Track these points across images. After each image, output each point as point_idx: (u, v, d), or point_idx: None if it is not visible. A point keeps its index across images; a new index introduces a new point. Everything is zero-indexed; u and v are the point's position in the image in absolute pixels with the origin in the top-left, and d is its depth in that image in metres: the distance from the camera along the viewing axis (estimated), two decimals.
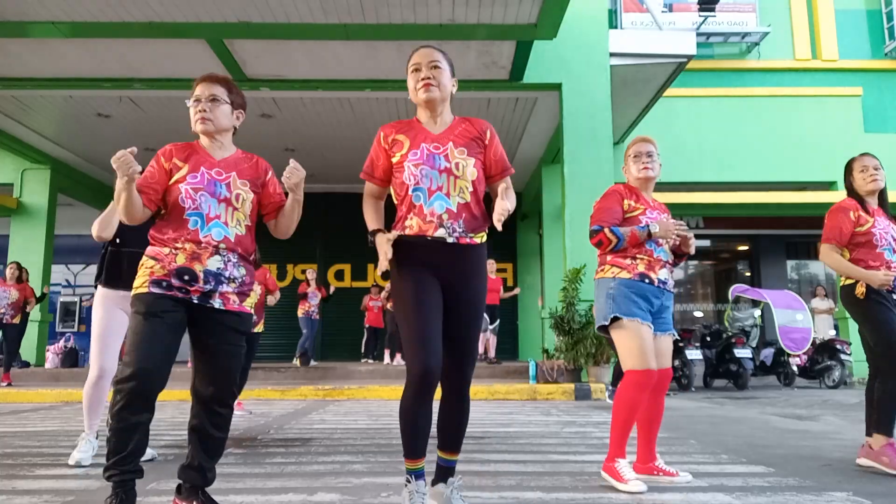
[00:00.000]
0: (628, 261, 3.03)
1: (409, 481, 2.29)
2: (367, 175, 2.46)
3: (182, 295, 2.30)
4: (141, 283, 2.31)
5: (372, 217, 2.44)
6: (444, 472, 2.40)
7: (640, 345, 2.91)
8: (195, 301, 2.31)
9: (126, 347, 2.25)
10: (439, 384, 2.27)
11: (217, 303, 2.35)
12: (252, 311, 2.51)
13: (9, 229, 11.71)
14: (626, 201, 3.09)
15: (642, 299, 2.98)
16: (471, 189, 2.31)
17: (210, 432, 2.34)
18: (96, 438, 3.59)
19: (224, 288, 2.36)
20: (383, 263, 2.25)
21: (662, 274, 3.03)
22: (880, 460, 3.26)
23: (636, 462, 3.10)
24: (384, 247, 2.25)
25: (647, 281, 3.00)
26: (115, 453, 2.16)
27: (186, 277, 2.30)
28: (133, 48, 8.03)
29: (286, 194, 2.48)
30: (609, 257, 3.09)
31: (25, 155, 11.54)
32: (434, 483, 2.38)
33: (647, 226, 2.97)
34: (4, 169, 11.84)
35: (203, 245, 2.33)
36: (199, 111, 2.43)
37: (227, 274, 2.37)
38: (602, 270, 3.11)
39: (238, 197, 2.41)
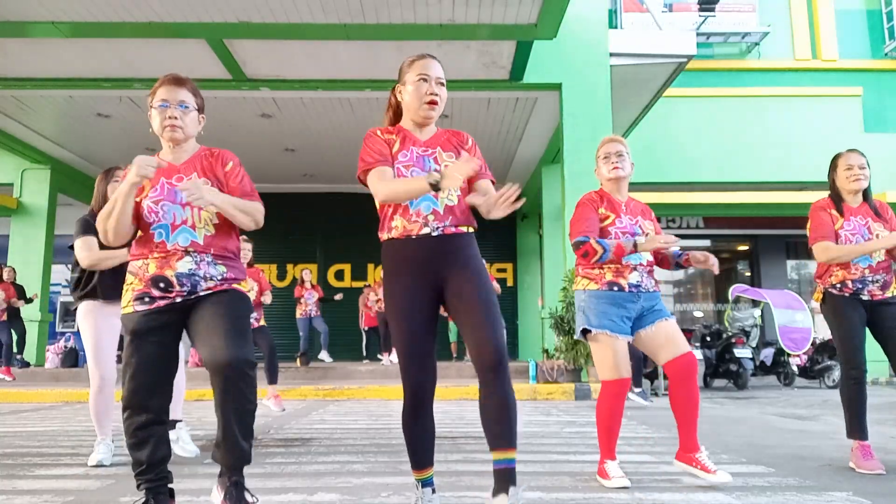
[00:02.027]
0: (596, 271, 3.07)
1: (416, 488, 2.32)
2: (373, 162, 2.22)
3: (166, 303, 2.28)
4: (126, 301, 2.32)
5: (405, 180, 2.19)
6: (502, 479, 2.01)
7: (612, 357, 3.00)
8: (178, 301, 2.28)
9: (122, 368, 2.29)
10: (475, 369, 2.14)
11: (203, 292, 2.31)
12: (247, 292, 2.42)
13: (9, 229, 11.70)
14: (598, 209, 3.12)
15: (616, 308, 3.01)
16: (458, 192, 2.26)
17: (220, 400, 2.18)
18: (112, 441, 3.64)
19: (204, 285, 2.31)
20: (463, 170, 2.02)
21: (633, 278, 3.03)
22: (854, 462, 3.33)
23: (678, 450, 3.05)
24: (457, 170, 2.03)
25: (616, 288, 3.02)
26: (136, 465, 2.26)
27: (162, 285, 2.28)
28: (133, 48, 8.02)
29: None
30: (580, 269, 3.14)
31: (25, 155, 11.53)
32: (495, 494, 2.00)
33: (634, 237, 2.99)
34: (4, 169, 11.82)
35: (171, 252, 2.30)
36: (170, 118, 2.34)
37: (201, 273, 2.31)
38: (576, 282, 3.18)
39: None
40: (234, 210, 2.32)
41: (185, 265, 2.29)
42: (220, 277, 2.34)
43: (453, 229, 2.22)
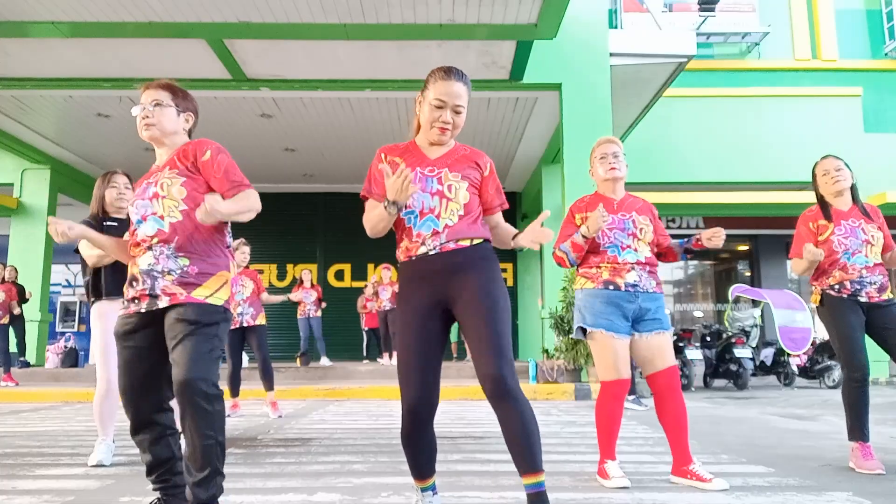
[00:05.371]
0: (593, 270, 3.10)
1: (416, 492, 2.33)
2: (367, 192, 2.28)
3: (135, 309, 2.27)
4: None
5: (370, 211, 2.23)
6: None
7: (610, 356, 3.00)
8: (144, 309, 2.24)
9: None
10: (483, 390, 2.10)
11: (163, 302, 2.22)
12: (213, 302, 2.25)
13: (9, 229, 11.71)
14: (577, 216, 3.17)
15: (612, 307, 3.02)
16: (461, 212, 2.22)
17: (185, 434, 2.13)
18: (113, 442, 3.65)
19: (162, 283, 2.22)
20: (402, 186, 2.06)
21: (631, 277, 3.04)
22: (853, 462, 3.33)
23: (673, 466, 3.03)
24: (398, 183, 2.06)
25: (611, 287, 3.03)
26: (145, 466, 2.32)
27: (134, 284, 2.29)
28: (133, 48, 8.02)
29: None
30: (579, 268, 3.18)
31: (25, 155, 11.53)
32: None
33: (579, 230, 3.05)
34: (4, 169, 11.82)
35: (139, 246, 2.30)
36: (143, 118, 2.37)
37: (159, 268, 2.23)
38: (576, 282, 3.22)
39: (163, 186, 2.29)
40: (238, 215, 2.27)
41: (145, 260, 2.26)
42: (180, 272, 2.23)
43: (452, 245, 2.18)
